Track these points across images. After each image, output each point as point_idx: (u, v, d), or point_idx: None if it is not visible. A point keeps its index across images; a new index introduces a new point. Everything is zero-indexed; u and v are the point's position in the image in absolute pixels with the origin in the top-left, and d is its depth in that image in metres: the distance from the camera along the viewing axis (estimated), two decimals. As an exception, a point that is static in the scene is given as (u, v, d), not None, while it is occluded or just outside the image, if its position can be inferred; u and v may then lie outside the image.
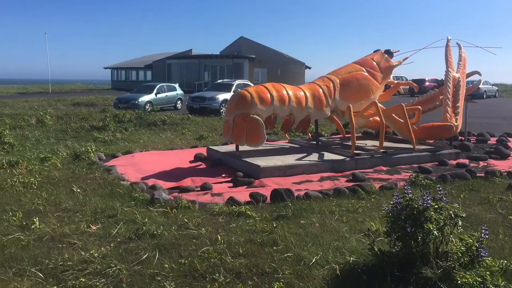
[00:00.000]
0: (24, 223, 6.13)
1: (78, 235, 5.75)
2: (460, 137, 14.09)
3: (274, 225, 6.04)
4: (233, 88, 26.01)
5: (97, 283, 4.40)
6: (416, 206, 4.39)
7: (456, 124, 11.78)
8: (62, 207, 7.00)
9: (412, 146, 11.44)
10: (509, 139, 14.81)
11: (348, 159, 10.42)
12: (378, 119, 11.30)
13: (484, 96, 40.87)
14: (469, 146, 12.90)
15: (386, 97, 13.41)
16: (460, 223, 4.44)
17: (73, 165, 10.34)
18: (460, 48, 13.36)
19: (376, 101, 11.41)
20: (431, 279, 4.15)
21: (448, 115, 11.77)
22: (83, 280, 4.44)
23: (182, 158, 11.54)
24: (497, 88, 46.83)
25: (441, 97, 12.63)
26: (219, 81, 31.93)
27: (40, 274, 4.59)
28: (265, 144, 11.13)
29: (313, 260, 4.86)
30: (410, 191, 4.66)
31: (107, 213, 6.65)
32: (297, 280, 4.45)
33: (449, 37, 13.28)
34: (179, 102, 30.05)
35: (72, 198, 7.46)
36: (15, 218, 6.29)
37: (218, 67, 54.39)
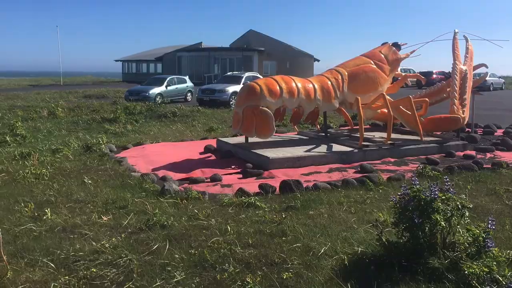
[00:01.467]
0: (36, 214, 6.19)
1: (89, 226, 5.80)
2: (467, 129, 14.09)
3: (283, 216, 6.08)
4: (243, 80, 26.00)
5: (108, 273, 4.44)
6: (424, 197, 4.41)
7: (463, 116, 11.81)
8: (74, 198, 7.05)
9: (419, 138, 11.44)
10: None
11: (356, 150, 10.44)
12: (386, 111, 11.31)
13: (491, 88, 40.68)
14: (476, 137, 12.91)
15: (394, 89, 13.41)
16: (467, 214, 4.47)
17: (84, 156, 10.41)
18: (467, 41, 13.35)
19: (384, 93, 11.43)
20: (438, 269, 4.19)
21: (455, 107, 11.80)
22: (94, 270, 4.49)
23: (192, 149, 11.61)
24: (503, 80, 46.63)
25: (448, 89, 12.65)
26: (228, 73, 31.93)
27: (52, 265, 4.62)
28: (274, 136, 11.17)
29: (322, 251, 4.90)
30: (417, 182, 4.69)
31: (118, 204, 6.70)
32: (306, 270, 4.49)
33: (456, 30, 13.29)
34: (189, 94, 30.12)
35: (83, 189, 7.52)
36: (27, 209, 6.34)
37: (227, 59, 54.32)
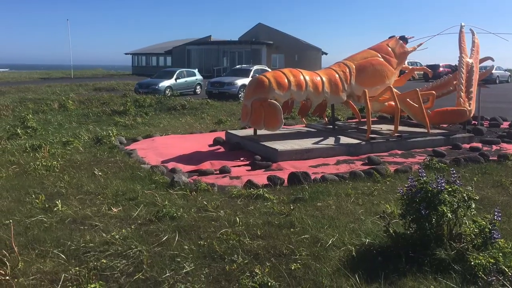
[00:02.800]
0: (47, 206, 6.24)
1: (99, 217, 5.85)
2: (473, 122, 14.08)
3: (291, 207, 6.12)
4: (251, 73, 26.01)
5: (118, 264, 4.48)
6: (430, 189, 4.44)
7: (469, 108, 11.85)
8: (84, 190, 7.12)
9: (426, 130, 11.46)
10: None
11: (363, 143, 10.46)
12: (393, 103, 11.32)
13: (497, 81, 40.59)
14: (482, 130, 12.92)
15: (401, 82, 13.41)
16: (473, 205, 4.48)
17: (94, 148, 10.48)
18: (473, 34, 13.37)
19: (391, 86, 11.44)
20: (445, 260, 4.22)
21: (461, 100, 11.83)
22: (104, 261, 4.53)
23: (201, 142, 11.66)
24: (509, 73, 46.35)
25: (454, 82, 12.68)
26: (237, 66, 31.92)
27: (63, 256, 4.67)
28: (283, 128, 11.20)
29: (330, 242, 4.93)
30: (424, 174, 4.71)
31: (128, 196, 6.76)
32: (314, 261, 4.52)
33: (463, 24, 13.33)
34: (198, 87, 30.17)
35: (93, 181, 7.58)
36: (38, 201, 6.40)
37: (236, 53, 54.25)
